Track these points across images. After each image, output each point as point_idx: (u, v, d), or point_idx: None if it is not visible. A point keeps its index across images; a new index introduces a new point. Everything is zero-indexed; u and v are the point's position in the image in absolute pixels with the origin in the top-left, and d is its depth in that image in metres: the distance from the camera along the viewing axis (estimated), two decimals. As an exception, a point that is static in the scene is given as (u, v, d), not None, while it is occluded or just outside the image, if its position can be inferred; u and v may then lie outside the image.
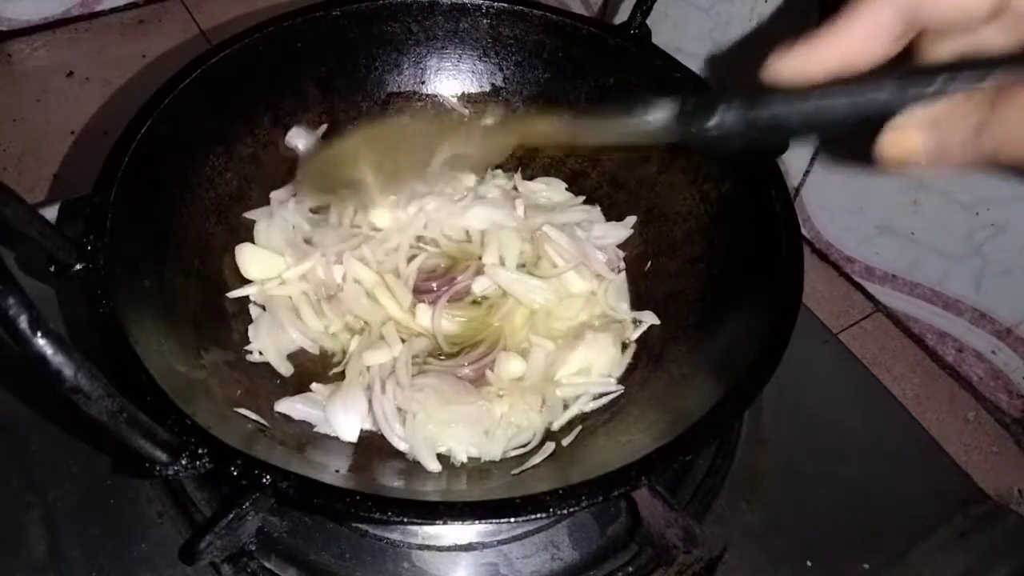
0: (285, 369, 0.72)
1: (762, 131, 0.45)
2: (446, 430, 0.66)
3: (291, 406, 0.67)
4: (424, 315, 0.74)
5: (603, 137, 0.54)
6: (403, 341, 0.72)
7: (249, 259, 0.75)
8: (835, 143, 1.16)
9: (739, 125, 0.45)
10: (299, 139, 0.80)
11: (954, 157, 0.39)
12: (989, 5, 0.40)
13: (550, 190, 0.86)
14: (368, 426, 0.68)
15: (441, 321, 0.74)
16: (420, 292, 0.76)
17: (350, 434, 0.67)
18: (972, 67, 0.38)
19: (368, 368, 0.70)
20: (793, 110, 0.43)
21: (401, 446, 0.67)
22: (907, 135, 0.40)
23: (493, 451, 0.67)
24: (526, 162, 0.88)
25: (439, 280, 0.77)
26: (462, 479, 0.65)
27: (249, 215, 0.78)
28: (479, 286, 0.76)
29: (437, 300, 0.74)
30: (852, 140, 1.14)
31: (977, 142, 0.38)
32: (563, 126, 0.57)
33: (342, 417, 0.67)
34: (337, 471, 0.61)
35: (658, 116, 0.49)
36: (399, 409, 0.67)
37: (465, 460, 0.67)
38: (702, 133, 0.46)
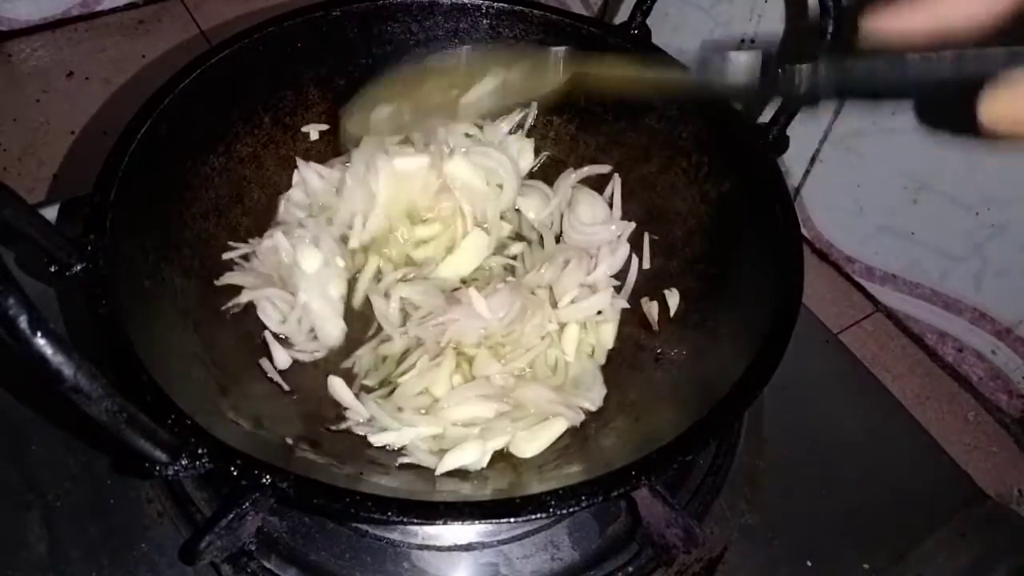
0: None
1: (853, 92, 0.43)
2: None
3: (274, 234, 0.74)
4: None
5: (670, 86, 0.51)
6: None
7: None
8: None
9: (829, 84, 0.42)
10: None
11: None
12: None
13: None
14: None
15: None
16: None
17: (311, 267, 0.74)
18: None
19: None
20: (891, 70, 0.40)
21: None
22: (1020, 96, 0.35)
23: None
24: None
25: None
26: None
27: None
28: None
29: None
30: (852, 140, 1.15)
31: None
32: (631, 70, 0.54)
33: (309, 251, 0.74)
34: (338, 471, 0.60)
35: (739, 70, 0.46)
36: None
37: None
38: (788, 91, 0.44)
